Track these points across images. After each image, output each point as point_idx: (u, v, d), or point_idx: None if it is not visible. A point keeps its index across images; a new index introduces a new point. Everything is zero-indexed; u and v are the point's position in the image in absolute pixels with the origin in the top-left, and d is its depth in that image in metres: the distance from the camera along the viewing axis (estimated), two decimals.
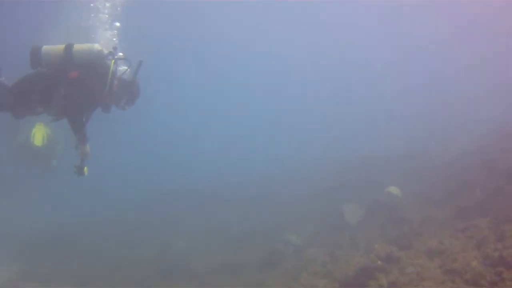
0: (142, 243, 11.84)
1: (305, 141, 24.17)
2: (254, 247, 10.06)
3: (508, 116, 14.26)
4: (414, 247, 6.41)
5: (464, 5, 29.26)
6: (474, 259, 5.35)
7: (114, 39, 6.54)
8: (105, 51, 5.41)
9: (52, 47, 5.37)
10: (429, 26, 31.08)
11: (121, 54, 5.51)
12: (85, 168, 5.48)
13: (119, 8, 7.79)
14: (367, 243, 7.89)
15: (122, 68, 5.53)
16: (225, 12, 28.76)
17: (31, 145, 11.48)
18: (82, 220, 14.62)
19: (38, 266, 10.59)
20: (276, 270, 8.17)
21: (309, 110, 32.38)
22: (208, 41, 30.91)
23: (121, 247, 11.69)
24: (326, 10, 30.54)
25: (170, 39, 27.04)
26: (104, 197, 17.57)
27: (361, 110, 28.36)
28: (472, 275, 4.95)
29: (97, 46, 5.37)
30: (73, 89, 5.24)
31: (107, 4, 7.71)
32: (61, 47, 5.31)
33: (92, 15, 7.58)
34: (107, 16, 7.35)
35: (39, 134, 11.54)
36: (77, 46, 5.31)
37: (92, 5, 7.89)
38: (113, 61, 5.38)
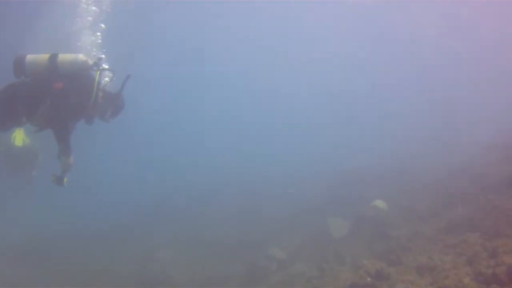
0: (124, 255, 11.50)
1: (292, 153, 23.98)
2: (239, 260, 9.83)
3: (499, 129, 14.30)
4: (403, 263, 6.24)
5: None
6: (466, 276, 5.20)
7: (99, 41, 6.38)
8: (90, 62, 5.35)
9: (37, 57, 5.27)
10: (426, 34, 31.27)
11: (105, 65, 5.45)
12: (65, 178, 5.39)
13: (104, 7, 7.61)
14: (353, 258, 7.73)
15: (106, 79, 5.48)
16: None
17: (11, 147, 11.21)
18: (62, 231, 14.15)
19: (15, 275, 10.16)
20: (260, 285, 7.94)
21: (296, 123, 32.24)
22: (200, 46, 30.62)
23: (101, 260, 11.32)
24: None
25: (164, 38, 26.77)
26: (84, 208, 17.09)
27: (351, 122, 28.32)
28: None
29: (81, 57, 5.31)
30: (59, 101, 5.18)
31: (93, 8, 7.51)
32: (45, 56, 5.23)
33: (78, 19, 7.40)
34: (90, 19, 7.16)
35: (19, 137, 11.34)
36: (62, 56, 5.24)
37: (77, 9, 7.70)
38: (98, 72, 5.32)
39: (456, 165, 11.76)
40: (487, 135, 14.26)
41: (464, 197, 8.61)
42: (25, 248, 12.57)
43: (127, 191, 19.34)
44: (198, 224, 13.44)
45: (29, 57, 5.25)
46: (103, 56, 5.59)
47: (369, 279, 5.80)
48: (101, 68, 5.37)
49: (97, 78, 5.27)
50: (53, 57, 5.21)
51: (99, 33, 6.55)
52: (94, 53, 6.39)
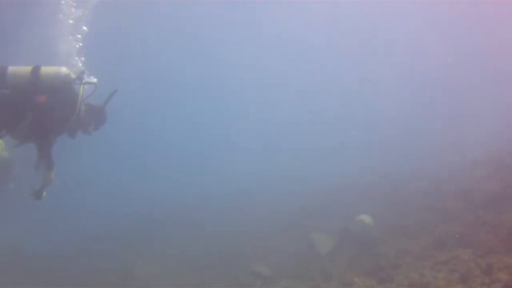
0: (102, 272, 11.00)
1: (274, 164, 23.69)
2: (222, 276, 9.48)
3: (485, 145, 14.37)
4: (395, 281, 6.04)
5: None
6: None
7: (80, 43, 6.16)
8: (73, 75, 5.26)
9: (19, 69, 5.14)
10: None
11: (90, 78, 5.37)
12: (44, 193, 5.33)
13: (85, 11, 7.35)
14: (340, 275, 7.52)
15: (89, 92, 5.38)
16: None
17: None
18: (40, 246, 13.60)
19: None
20: None
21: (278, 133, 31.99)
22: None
23: (79, 276, 10.81)
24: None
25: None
26: (61, 223, 16.48)
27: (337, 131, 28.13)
28: None
29: (64, 70, 5.21)
30: (42, 115, 5.08)
31: (73, 10, 7.25)
32: (27, 69, 5.11)
33: (59, 20, 7.15)
34: (71, 21, 6.90)
35: None
36: (44, 69, 5.13)
37: (61, 16, 7.43)
38: (81, 86, 5.26)
39: (442, 181, 11.71)
40: (474, 150, 14.30)
41: (452, 213, 8.49)
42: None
43: (108, 204, 18.80)
44: (179, 239, 13.06)
45: (11, 68, 5.12)
46: (86, 70, 5.48)
47: None
48: (83, 81, 5.29)
49: (80, 92, 5.23)
50: (36, 69, 5.10)
51: (79, 35, 6.34)
52: (76, 58, 6.17)
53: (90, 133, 5.59)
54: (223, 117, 35.19)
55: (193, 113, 34.46)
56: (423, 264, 6.51)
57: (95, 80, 5.39)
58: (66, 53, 6.31)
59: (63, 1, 7.37)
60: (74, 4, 7.34)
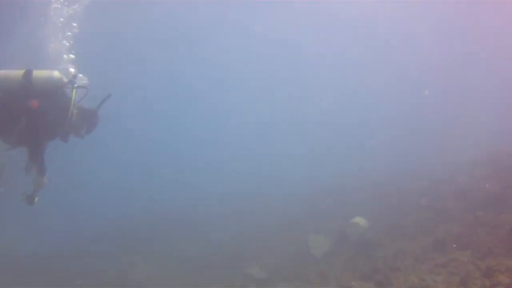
0: (97, 275, 10.88)
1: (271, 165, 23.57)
2: (216, 279, 9.34)
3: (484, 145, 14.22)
4: (393, 284, 5.89)
5: None
6: None
7: (71, 41, 6.04)
8: (65, 79, 5.16)
9: (10, 73, 5.04)
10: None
11: (81, 82, 5.32)
12: (36, 198, 5.25)
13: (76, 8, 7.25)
14: (337, 278, 7.37)
15: (81, 96, 5.29)
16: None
17: None
18: (31, 249, 13.45)
19: None
20: None
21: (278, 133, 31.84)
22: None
23: (73, 278, 10.68)
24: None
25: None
26: (56, 227, 16.34)
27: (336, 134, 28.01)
28: None
29: (56, 74, 5.10)
30: (35, 119, 4.99)
31: (64, 9, 7.13)
32: (19, 73, 5.00)
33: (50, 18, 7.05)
34: (62, 19, 6.78)
35: None
36: (36, 73, 5.03)
37: (52, 13, 7.31)
38: (74, 90, 5.16)
39: (442, 181, 11.57)
40: (474, 150, 14.14)
41: (452, 213, 8.35)
42: None
43: (106, 205, 18.70)
44: (179, 240, 12.98)
45: (2, 72, 5.04)
46: (80, 74, 5.45)
47: None
48: (75, 86, 5.21)
49: (73, 96, 5.13)
50: (28, 73, 4.99)
51: (69, 33, 6.22)
52: (65, 56, 6.06)
53: (82, 136, 5.49)
54: (223, 117, 35.09)
55: (191, 113, 34.32)
56: (422, 266, 6.37)
57: (87, 82, 5.34)
58: (56, 51, 6.23)
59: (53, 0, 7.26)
60: (66, 3, 7.23)
